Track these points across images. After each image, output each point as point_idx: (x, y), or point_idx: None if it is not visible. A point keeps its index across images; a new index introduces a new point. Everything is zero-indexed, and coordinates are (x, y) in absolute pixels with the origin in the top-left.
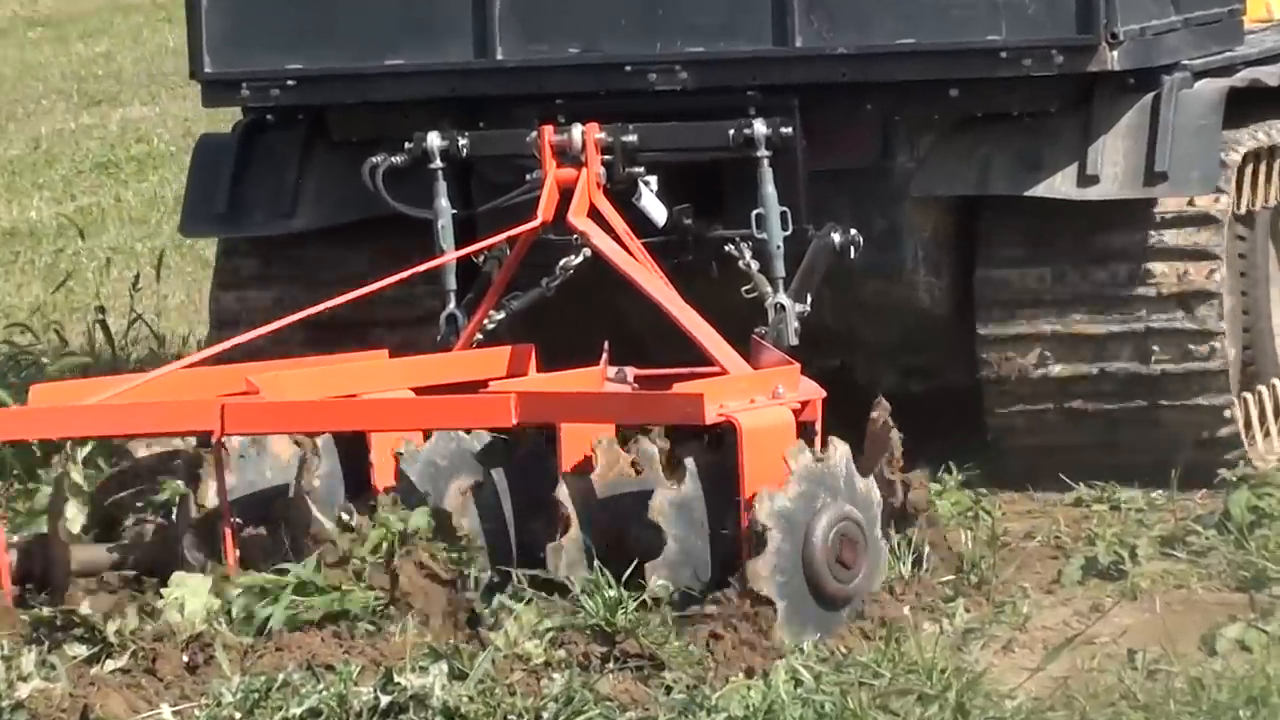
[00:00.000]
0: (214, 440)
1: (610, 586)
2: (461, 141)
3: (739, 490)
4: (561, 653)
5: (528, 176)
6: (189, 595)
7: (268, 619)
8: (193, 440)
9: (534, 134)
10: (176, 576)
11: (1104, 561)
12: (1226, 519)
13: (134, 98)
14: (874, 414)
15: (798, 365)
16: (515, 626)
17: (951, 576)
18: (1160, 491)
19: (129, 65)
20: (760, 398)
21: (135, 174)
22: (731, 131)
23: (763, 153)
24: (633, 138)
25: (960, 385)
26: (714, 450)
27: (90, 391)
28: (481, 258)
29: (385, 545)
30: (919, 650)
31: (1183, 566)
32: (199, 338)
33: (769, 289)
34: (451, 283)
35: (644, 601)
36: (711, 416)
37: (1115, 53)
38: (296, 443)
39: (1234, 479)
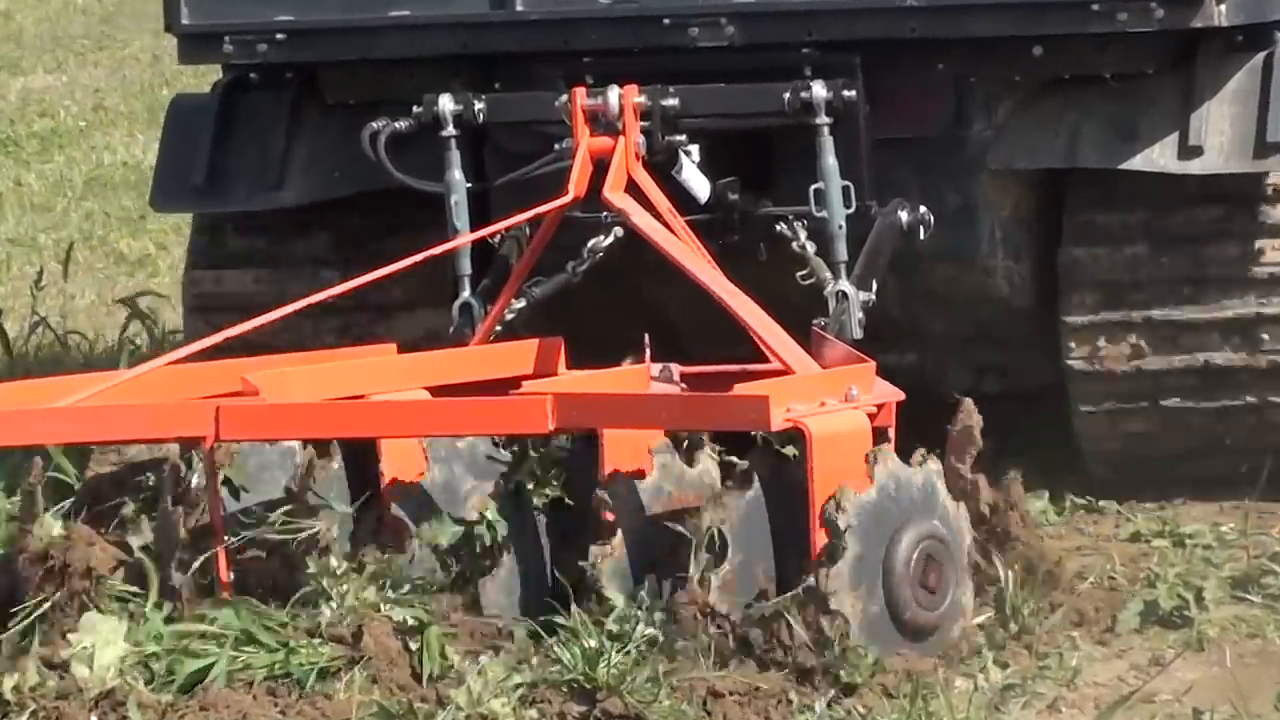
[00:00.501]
0: (207, 447)
1: (590, 635)
2: (478, 105)
3: (808, 505)
4: (533, 712)
5: (556, 145)
6: (100, 644)
7: (197, 672)
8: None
9: (563, 97)
10: (87, 620)
11: (1165, 607)
12: None
13: (36, 65)
14: (959, 416)
15: (872, 363)
16: (480, 682)
17: (987, 618)
18: (1230, 525)
19: (30, 26)
20: (831, 400)
21: (38, 153)
22: (787, 95)
23: (822, 119)
24: (674, 101)
25: (1040, 385)
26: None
27: (61, 392)
28: (498, 238)
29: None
30: (950, 711)
31: (1256, 612)
32: (110, 342)
33: (828, 274)
34: (466, 267)
35: (629, 652)
36: (778, 422)
37: (1223, 6)
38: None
39: None
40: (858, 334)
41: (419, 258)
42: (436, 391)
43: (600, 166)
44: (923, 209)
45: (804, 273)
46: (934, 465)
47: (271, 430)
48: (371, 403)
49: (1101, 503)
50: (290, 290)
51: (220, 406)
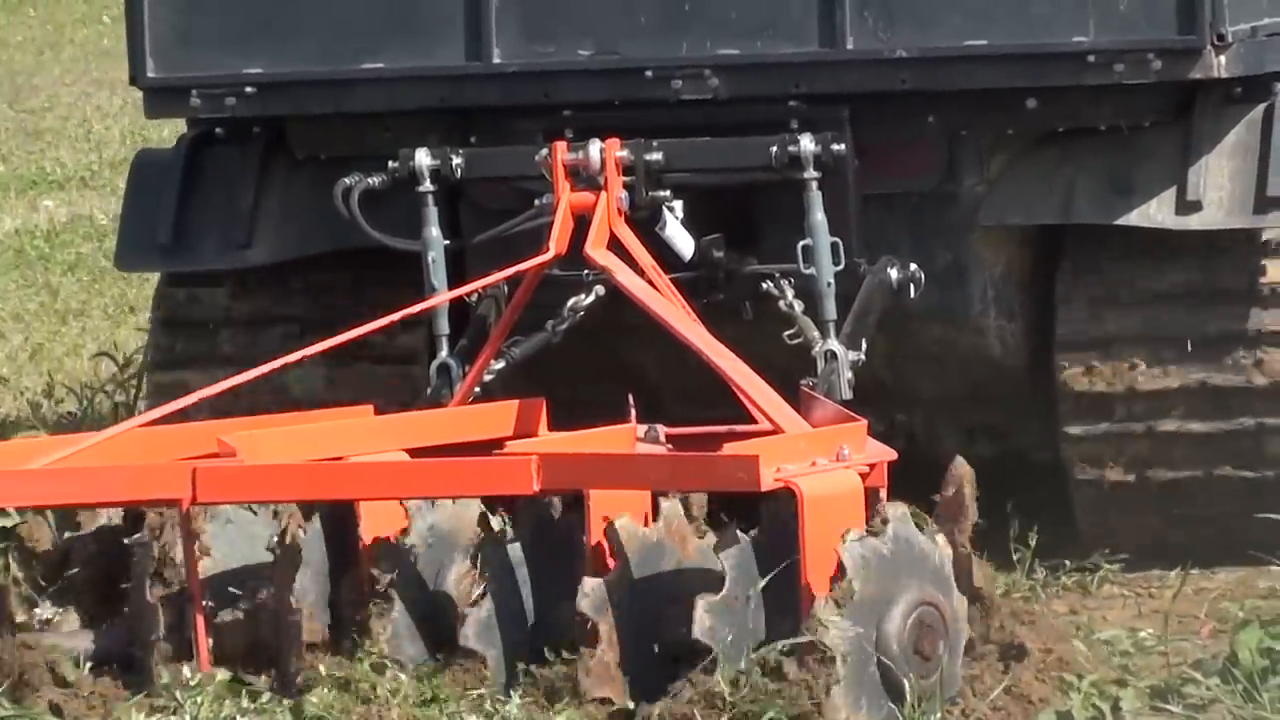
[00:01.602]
0: (183, 509)
1: None
2: (455, 160)
3: (799, 567)
4: None
5: (536, 201)
6: None
7: None
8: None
9: (544, 151)
10: None
11: (1080, 718)
12: (1233, 664)
13: None
14: (951, 475)
15: (864, 422)
16: None
17: None
18: (1150, 630)
19: None
20: (823, 460)
21: None
22: (774, 149)
23: (810, 174)
24: (658, 156)
25: (1033, 448)
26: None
27: (32, 453)
28: (475, 297)
29: None
30: None
31: None
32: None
33: (816, 333)
34: (444, 327)
35: None
36: (768, 482)
37: (1222, 57)
38: (275, 514)
39: (1241, 614)
40: (847, 394)
41: (395, 317)
42: (415, 453)
43: (581, 223)
44: (913, 266)
45: (791, 331)
46: (936, 529)
47: (249, 492)
48: (353, 464)
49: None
50: (260, 347)
51: (197, 468)
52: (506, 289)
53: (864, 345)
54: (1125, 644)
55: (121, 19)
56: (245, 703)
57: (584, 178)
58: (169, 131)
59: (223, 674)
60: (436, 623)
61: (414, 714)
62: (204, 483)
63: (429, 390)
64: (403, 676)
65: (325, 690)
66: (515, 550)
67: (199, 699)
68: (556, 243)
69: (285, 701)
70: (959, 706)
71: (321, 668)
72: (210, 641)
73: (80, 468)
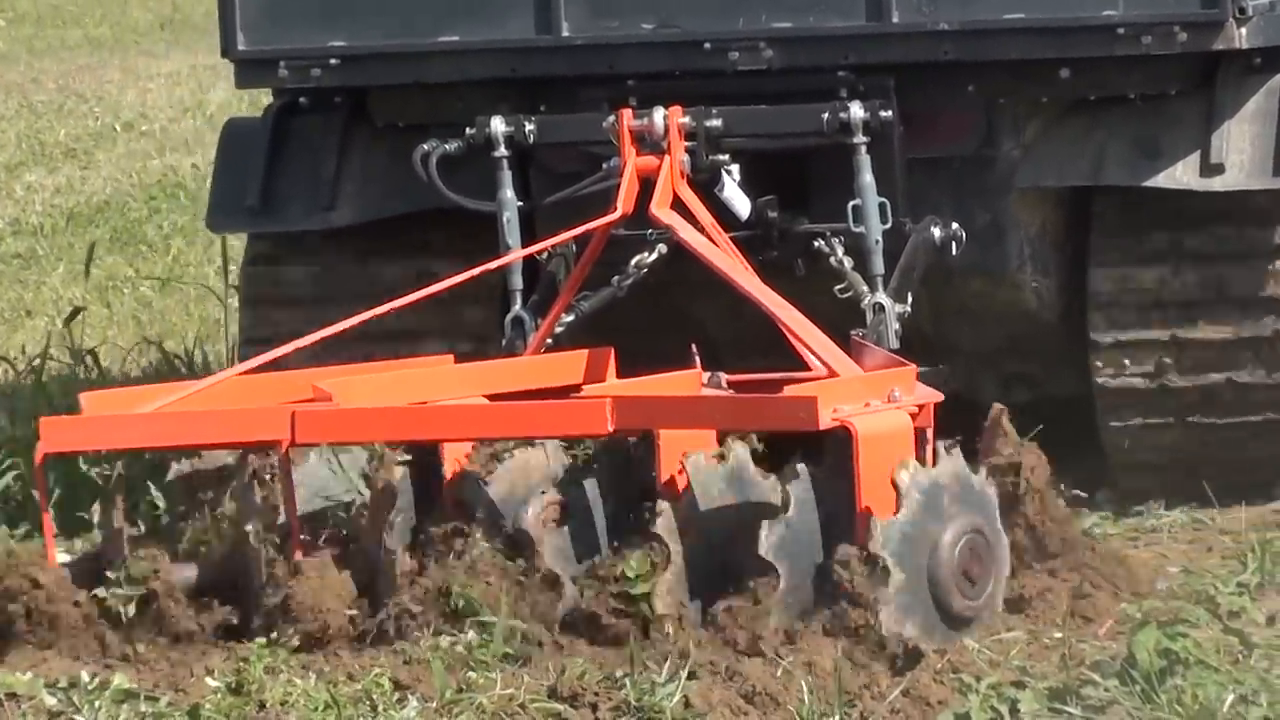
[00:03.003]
0: (283, 450)
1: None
2: (528, 127)
3: (855, 501)
4: None
5: (604, 165)
6: None
7: None
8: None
9: (611, 118)
10: None
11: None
12: (1130, 665)
13: None
14: (992, 415)
15: (913, 367)
16: None
17: None
18: (1054, 636)
19: None
20: (875, 401)
21: None
22: (826, 115)
23: (860, 139)
24: (717, 122)
25: (1067, 395)
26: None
27: (142, 400)
28: (545, 255)
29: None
30: None
31: None
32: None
33: (865, 288)
34: (518, 282)
35: None
36: (826, 421)
37: (1243, 29)
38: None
39: (1138, 615)
40: (894, 344)
41: (475, 272)
42: (494, 399)
43: (646, 185)
44: (955, 225)
45: (841, 286)
46: (958, 459)
47: (345, 434)
48: (441, 407)
49: None
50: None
51: (296, 411)
52: (574, 247)
53: (909, 299)
54: (1024, 644)
55: None
56: (143, 706)
57: (648, 143)
58: None
59: (120, 679)
60: (516, 555)
61: (310, 718)
62: (302, 425)
63: (504, 342)
64: (297, 681)
65: (219, 697)
66: (591, 486)
67: (96, 704)
68: (623, 203)
69: (181, 706)
70: (857, 709)
71: (211, 679)
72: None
73: (187, 412)
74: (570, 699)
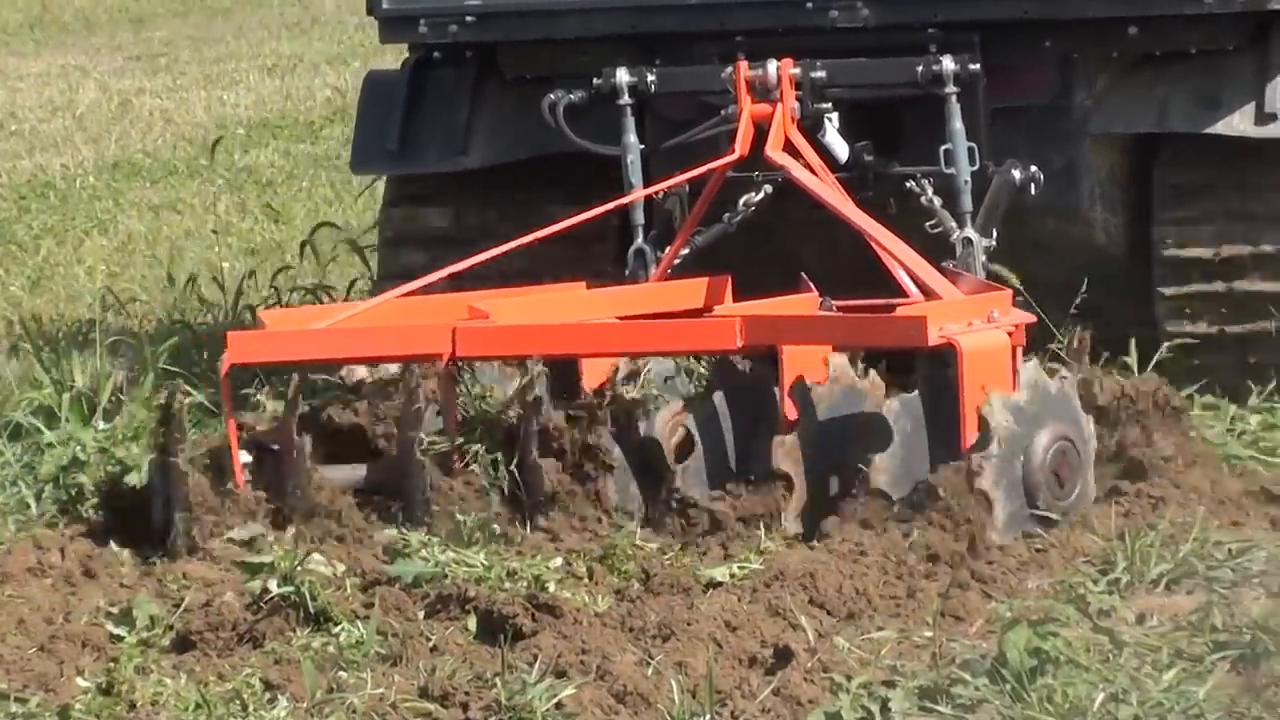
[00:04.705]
0: (443, 363)
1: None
2: (650, 77)
3: (959, 411)
4: None
5: (722, 111)
6: None
7: None
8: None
9: (729, 69)
10: None
11: (849, 718)
12: (1001, 664)
13: None
14: (1077, 340)
15: (1009, 290)
16: None
17: None
18: (925, 635)
19: None
20: (976, 321)
21: None
22: (920, 68)
23: (950, 89)
24: (822, 74)
25: (1130, 323)
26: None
27: (316, 318)
28: (662, 195)
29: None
30: None
31: None
32: None
33: (954, 224)
34: (640, 217)
35: None
36: (934, 338)
37: None
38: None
39: (1009, 614)
40: (981, 276)
41: (609, 207)
42: (624, 321)
43: (759, 130)
44: (1033, 168)
45: (932, 223)
46: (1068, 375)
47: (502, 348)
48: (586, 324)
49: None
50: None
51: (457, 327)
52: (688, 188)
53: (994, 234)
54: (895, 642)
55: None
56: (13, 707)
57: (760, 91)
58: None
59: None
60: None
61: (181, 718)
62: (463, 340)
63: (627, 271)
64: (168, 681)
65: (89, 697)
66: (719, 400)
67: None
68: (740, 145)
69: (50, 707)
70: (728, 708)
71: (81, 679)
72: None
73: (355, 328)
74: (441, 698)
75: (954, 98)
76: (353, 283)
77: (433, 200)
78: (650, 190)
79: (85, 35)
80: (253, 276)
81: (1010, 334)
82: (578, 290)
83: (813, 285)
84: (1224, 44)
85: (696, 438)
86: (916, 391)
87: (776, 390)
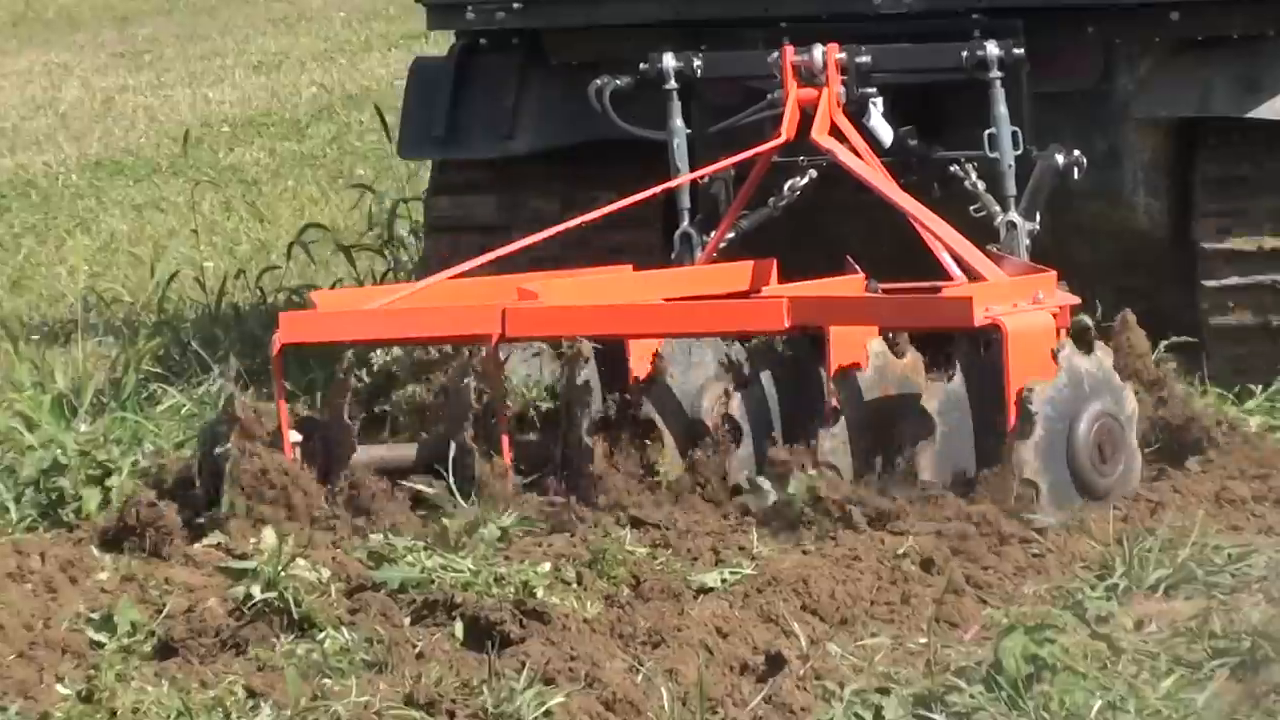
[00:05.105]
0: (494, 343)
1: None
2: (696, 63)
3: (1004, 391)
4: None
5: (769, 95)
6: None
7: None
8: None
9: (774, 54)
10: None
11: None
12: (997, 672)
13: None
14: (1121, 320)
15: (1054, 272)
16: None
17: None
18: (919, 641)
19: None
20: (1021, 302)
21: None
22: (964, 53)
23: (995, 74)
24: (867, 59)
25: (1172, 305)
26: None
27: (367, 299)
28: (707, 179)
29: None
30: None
31: None
32: None
33: (998, 208)
34: (686, 201)
35: None
36: (979, 319)
37: None
38: (559, 353)
39: (1005, 620)
40: (1024, 258)
41: (654, 191)
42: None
43: (804, 115)
44: (1076, 152)
45: (976, 206)
46: (1106, 354)
47: (551, 329)
48: (635, 305)
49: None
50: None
51: (506, 308)
52: (733, 172)
53: (1038, 217)
54: (889, 649)
55: None
56: None
57: (805, 76)
58: None
59: None
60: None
61: None
62: (512, 321)
63: (673, 255)
64: (149, 688)
65: (69, 704)
66: (766, 381)
67: None
68: (787, 129)
69: (30, 714)
70: (719, 716)
71: (61, 686)
72: (512, 455)
73: (409, 308)
74: (427, 706)
75: (998, 82)
76: (336, 283)
77: (479, 185)
78: (696, 175)
79: (68, 32)
80: (239, 277)
81: (1055, 315)
82: (625, 273)
83: (858, 267)
84: (1265, 29)
85: (744, 422)
86: (959, 376)
87: (822, 371)
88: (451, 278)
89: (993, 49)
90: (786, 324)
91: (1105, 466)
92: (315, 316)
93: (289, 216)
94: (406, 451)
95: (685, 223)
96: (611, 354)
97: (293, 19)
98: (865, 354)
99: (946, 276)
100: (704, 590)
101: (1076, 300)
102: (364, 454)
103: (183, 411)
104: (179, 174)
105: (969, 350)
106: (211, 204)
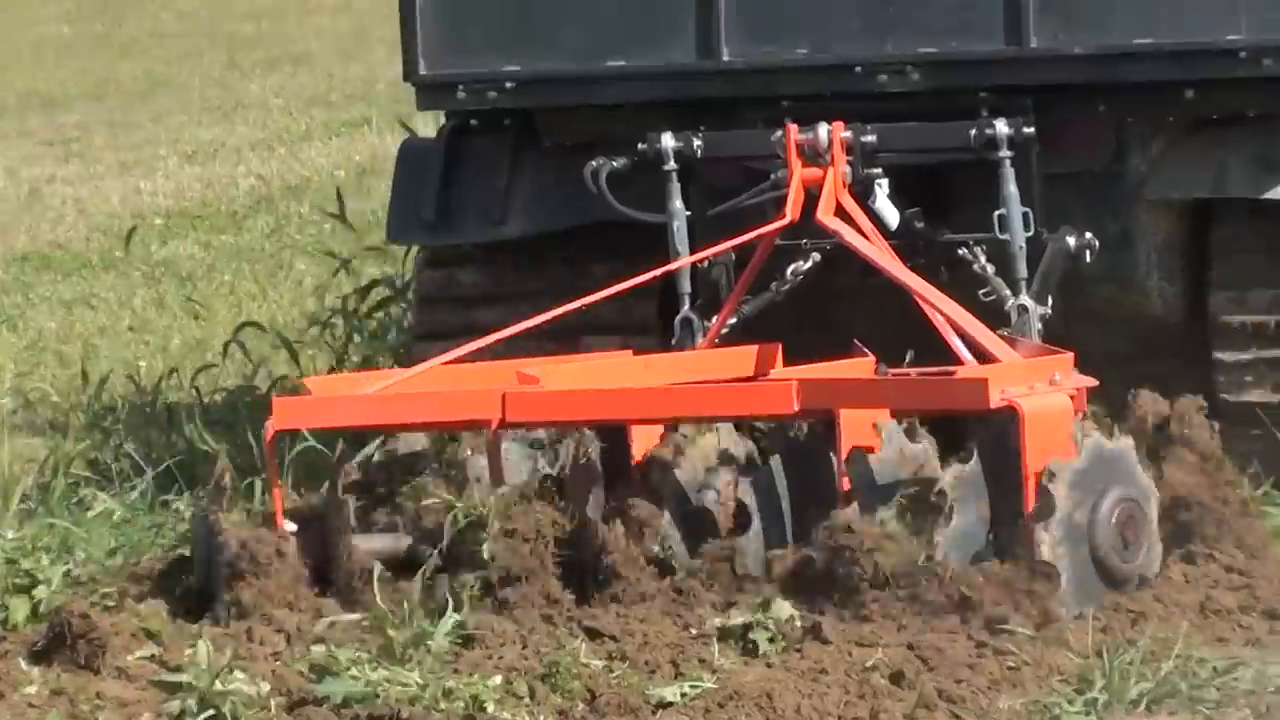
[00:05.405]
0: (494, 429)
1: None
2: (696, 143)
3: (1021, 474)
4: None
5: (771, 176)
6: None
7: None
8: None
9: (778, 133)
10: None
11: None
12: None
13: None
14: (1133, 403)
15: (1071, 354)
16: None
17: None
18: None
19: None
20: (1038, 384)
21: None
22: (973, 132)
23: (1004, 153)
24: (872, 138)
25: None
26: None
27: (358, 385)
28: (707, 262)
29: None
30: None
31: None
32: None
33: (1008, 291)
34: (686, 286)
35: None
36: (995, 401)
37: None
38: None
39: None
40: (1037, 343)
41: (656, 273)
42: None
43: (809, 195)
44: (1088, 235)
45: (985, 290)
46: (1127, 439)
47: (553, 414)
48: (640, 389)
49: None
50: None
51: (506, 393)
52: (734, 255)
53: (1049, 301)
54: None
55: None
56: None
57: (810, 155)
58: None
59: None
60: (698, 528)
61: None
62: (512, 405)
63: (674, 340)
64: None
65: (45, 711)
66: (776, 465)
67: None
68: (792, 210)
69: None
70: None
71: (33, 686)
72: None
73: (406, 393)
74: None
75: (1008, 162)
76: (279, 380)
77: (470, 261)
78: (698, 257)
79: None
80: (172, 375)
81: (1072, 397)
82: (626, 357)
83: (867, 351)
84: None
85: (753, 508)
86: (974, 460)
87: (833, 456)
88: (446, 363)
89: (1002, 127)
90: (796, 407)
91: (1128, 553)
92: (310, 403)
93: (225, 313)
94: (403, 542)
95: (686, 307)
96: (613, 440)
97: (229, 106)
98: (878, 436)
99: (958, 362)
100: (663, 705)
101: (1094, 382)
102: (362, 543)
103: (115, 517)
104: (110, 268)
105: (985, 432)
106: (143, 300)
